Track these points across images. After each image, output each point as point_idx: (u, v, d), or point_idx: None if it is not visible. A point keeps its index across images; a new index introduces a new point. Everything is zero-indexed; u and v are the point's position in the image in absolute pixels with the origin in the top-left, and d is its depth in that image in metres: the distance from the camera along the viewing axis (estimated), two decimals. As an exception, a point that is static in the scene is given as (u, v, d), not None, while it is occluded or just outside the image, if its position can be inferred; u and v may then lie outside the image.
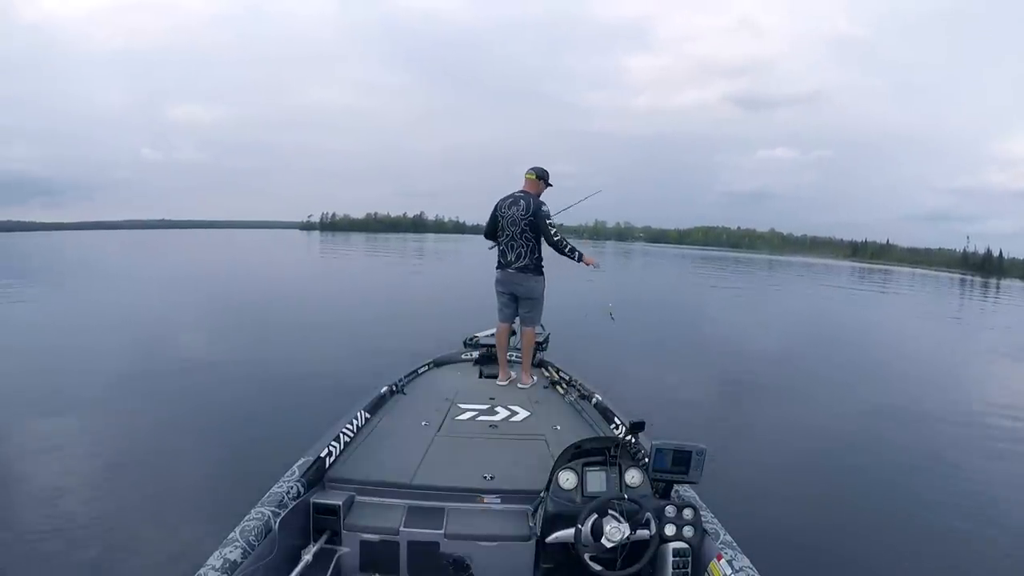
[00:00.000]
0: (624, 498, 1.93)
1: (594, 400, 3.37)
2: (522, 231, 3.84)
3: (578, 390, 3.66)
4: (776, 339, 11.68)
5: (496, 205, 3.93)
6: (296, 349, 8.12)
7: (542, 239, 3.86)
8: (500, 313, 4.07)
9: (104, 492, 3.63)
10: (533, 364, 4.29)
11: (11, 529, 3.15)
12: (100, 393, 5.67)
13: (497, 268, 3.99)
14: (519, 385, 3.87)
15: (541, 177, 3.95)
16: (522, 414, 3.19)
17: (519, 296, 3.99)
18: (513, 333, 4.17)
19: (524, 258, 3.88)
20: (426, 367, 4.13)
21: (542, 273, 3.96)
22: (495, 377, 3.99)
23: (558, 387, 3.83)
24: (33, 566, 2.85)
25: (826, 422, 6.05)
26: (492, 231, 3.98)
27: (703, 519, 1.97)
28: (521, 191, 3.92)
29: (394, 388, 3.46)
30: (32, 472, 3.88)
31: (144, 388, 5.85)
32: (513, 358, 4.49)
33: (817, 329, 13.91)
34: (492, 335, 4.42)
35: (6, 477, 3.75)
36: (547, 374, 4.17)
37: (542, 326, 4.82)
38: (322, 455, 2.28)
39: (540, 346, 4.39)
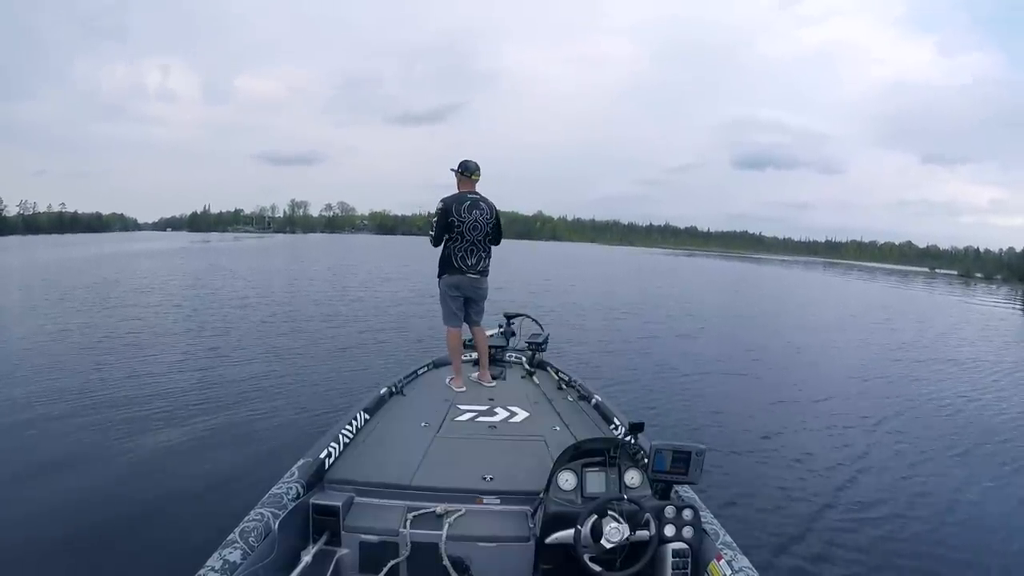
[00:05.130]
0: (624, 499, 1.92)
1: (593, 401, 3.36)
2: (485, 235, 3.74)
3: (577, 391, 3.66)
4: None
5: (447, 208, 3.62)
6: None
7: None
8: (452, 319, 3.81)
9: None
10: (533, 365, 4.31)
11: None
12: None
13: (451, 273, 3.72)
14: (485, 384, 3.81)
15: (475, 172, 3.74)
16: (521, 415, 3.18)
17: (472, 299, 3.87)
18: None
19: (483, 261, 3.79)
20: (425, 368, 4.10)
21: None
22: (492, 378, 3.92)
23: (557, 388, 3.83)
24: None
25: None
26: (442, 236, 3.67)
27: (703, 520, 1.97)
28: (471, 192, 3.72)
29: (393, 389, 3.44)
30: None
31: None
32: (513, 358, 4.50)
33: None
34: (491, 336, 4.41)
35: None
36: (547, 374, 4.16)
37: (540, 326, 4.84)
38: (321, 456, 2.27)
39: (539, 347, 4.38)
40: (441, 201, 3.67)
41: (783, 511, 3.86)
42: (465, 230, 3.65)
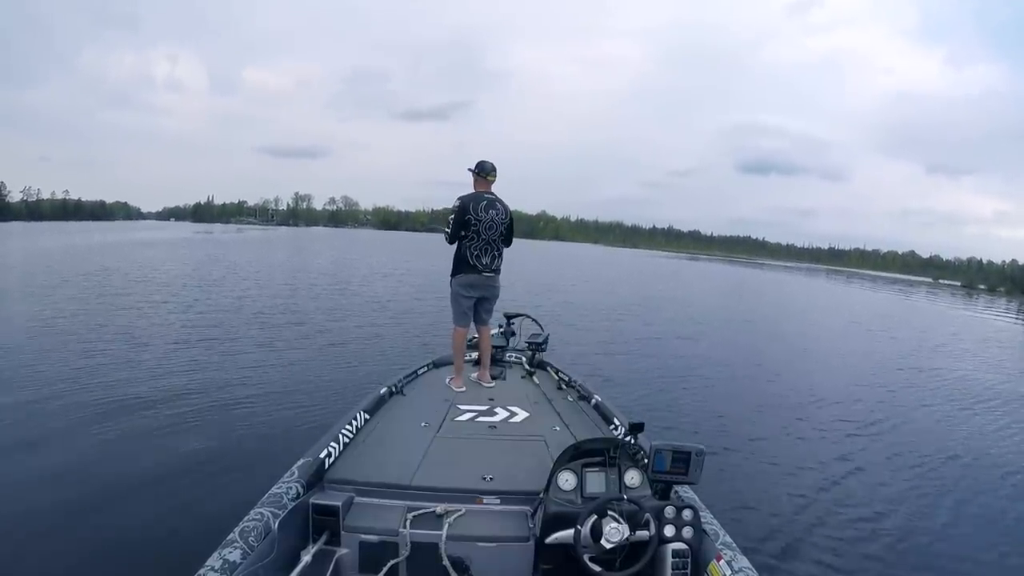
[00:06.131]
0: (623, 499, 1.92)
1: (593, 401, 3.37)
2: (499, 235, 3.75)
3: (577, 391, 3.66)
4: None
5: (464, 206, 3.63)
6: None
7: None
8: (462, 318, 3.81)
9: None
10: (533, 365, 4.31)
11: None
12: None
13: (465, 272, 3.72)
14: (485, 384, 3.81)
15: (491, 173, 3.76)
16: (521, 415, 3.18)
17: (485, 298, 3.88)
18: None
19: (497, 260, 3.80)
20: (425, 368, 4.09)
21: None
22: (491, 379, 3.92)
23: (557, 388, 3.83)
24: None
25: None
26: (458, 233, 3.68)
27: (702, 520, 1.98)
28: (488, 192, 3.74)
29: (393, 389, 3.43)
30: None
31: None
32: (513, 358, 4.50)
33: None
34: (491, 336, 4.41)
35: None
36: (547, 374, 4.16)
37: (540, 326, 4.84)
38: (321, 456, 2.27)
39: (540, 347, 4.38)
40: (459, 199, 3.69)
41: (783, 512, 3.89)
42: (481, 229, 3.67)
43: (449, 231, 3.69)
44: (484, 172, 3.74)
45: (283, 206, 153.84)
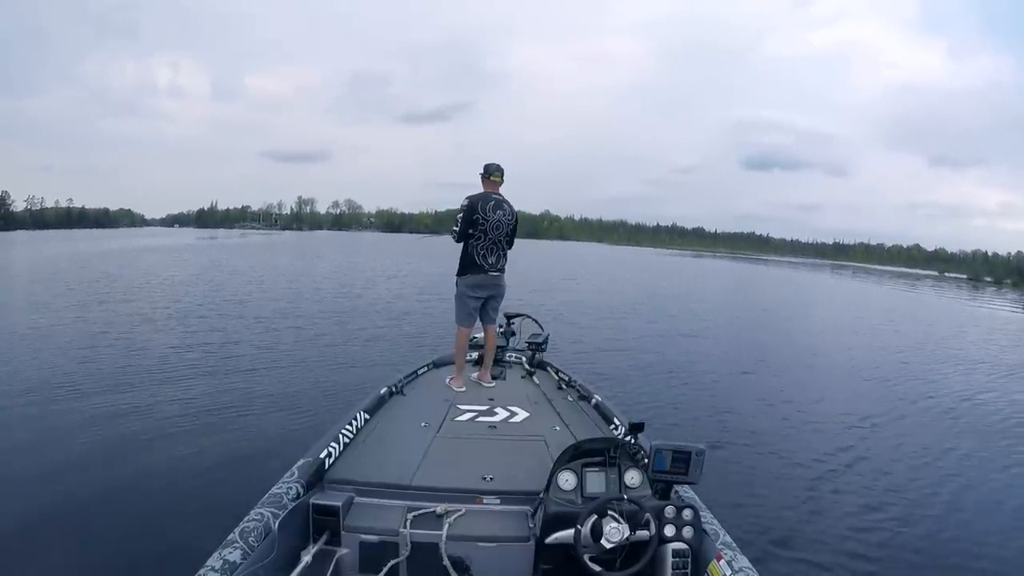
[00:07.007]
0: (624, 499, 1.92)
1: (593, 401, 3.37)
2: (505, 235, 3.79)
3: (577, 391, 3.66)
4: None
5: (472, 205, 3.67)
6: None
7: None
8: (467, 319, 3.84)
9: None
10: (533, 365, 4.30)
11: None
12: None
13: (471, 272, 3.76)
14: (485, 384, 3.82)
15: (494, 174, 3.80)
16: (521, 415, 3.18)
17: (491, 297, 3.90)
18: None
19: (502, 260, 3.84)
20: (425, 368, 4.10)
21: None
22: (491, 379, 3.91)
23: (557, 388, 3.82)
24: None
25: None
26: (466, 233, 3.71)
27: (703, 520, 1.97)
28: (495, 193, 3.78)
29: (393, 389, 3.44)
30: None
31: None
32: (513, 358, 4.50)
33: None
34: None
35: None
36: (547, 374, 4.15)
37: (540, 326, 4.83)
38: (321, 456, 2.28)
39: (539, 347, 4.37)
40: (467, 199, 3.72)
41: (784, 511, 3.86)
42: (488, 228, 3.70)
43: (457, 230, 3.72)
44: (488, 173, 3.80)
45: (287, 210, 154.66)
